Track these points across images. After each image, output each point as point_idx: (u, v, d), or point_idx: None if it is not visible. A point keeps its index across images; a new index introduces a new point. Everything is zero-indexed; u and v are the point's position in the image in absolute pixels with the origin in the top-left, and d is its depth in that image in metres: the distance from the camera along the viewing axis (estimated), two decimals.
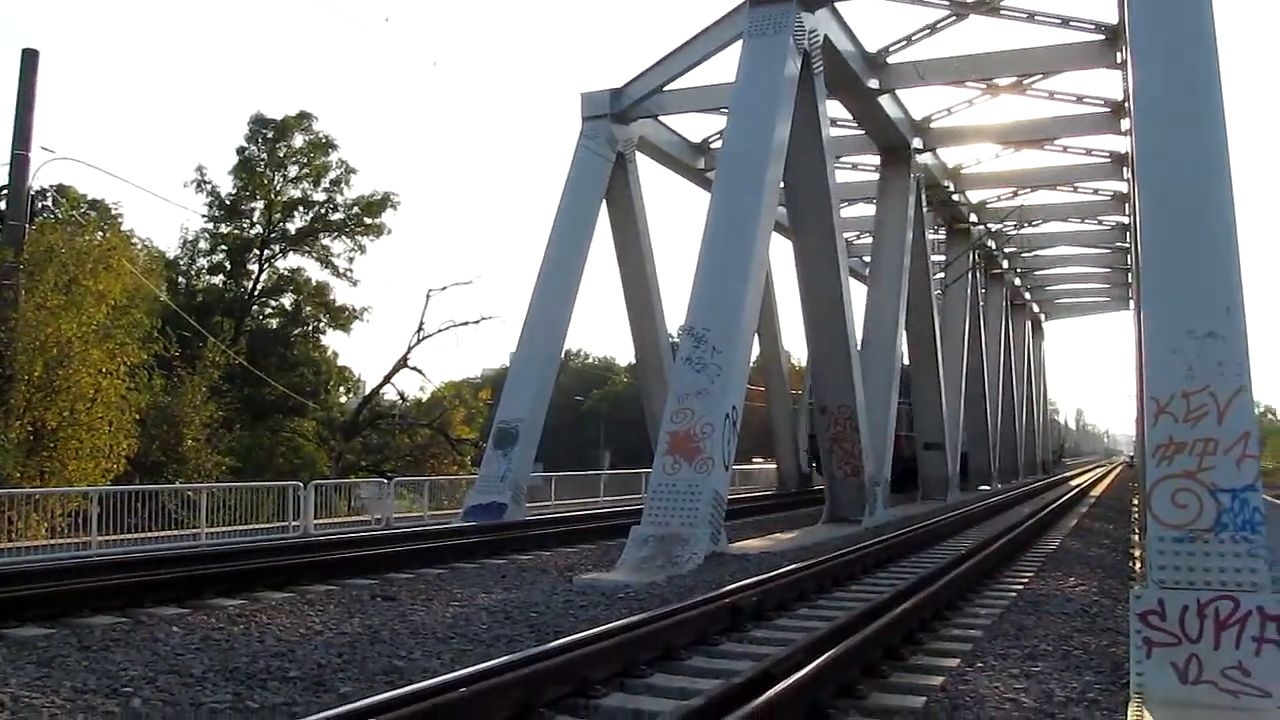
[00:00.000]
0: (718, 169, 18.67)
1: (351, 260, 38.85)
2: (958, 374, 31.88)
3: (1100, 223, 33.81)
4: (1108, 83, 36.46)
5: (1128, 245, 32.92)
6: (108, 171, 59.70)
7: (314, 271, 39.49)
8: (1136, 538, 16.63)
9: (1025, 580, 11.63)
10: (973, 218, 33.39)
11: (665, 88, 22.48)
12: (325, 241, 38.68)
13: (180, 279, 36.86)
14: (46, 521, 17.58)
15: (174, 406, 27.61)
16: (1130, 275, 33.58)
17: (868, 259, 27.62)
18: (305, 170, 38.05)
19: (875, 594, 9.95)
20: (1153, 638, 6.25)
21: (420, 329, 35.85)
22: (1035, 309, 54.49)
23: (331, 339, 42.22)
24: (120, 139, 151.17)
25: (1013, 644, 7.89)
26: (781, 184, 18.21)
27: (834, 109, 21.70)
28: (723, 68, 21.32)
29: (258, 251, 38.03)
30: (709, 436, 14.37)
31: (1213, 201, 8.04)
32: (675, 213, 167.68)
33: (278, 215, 37.88)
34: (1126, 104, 17.68)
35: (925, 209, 27.13)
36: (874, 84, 21.89)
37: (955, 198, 31.17)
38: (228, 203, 37.61)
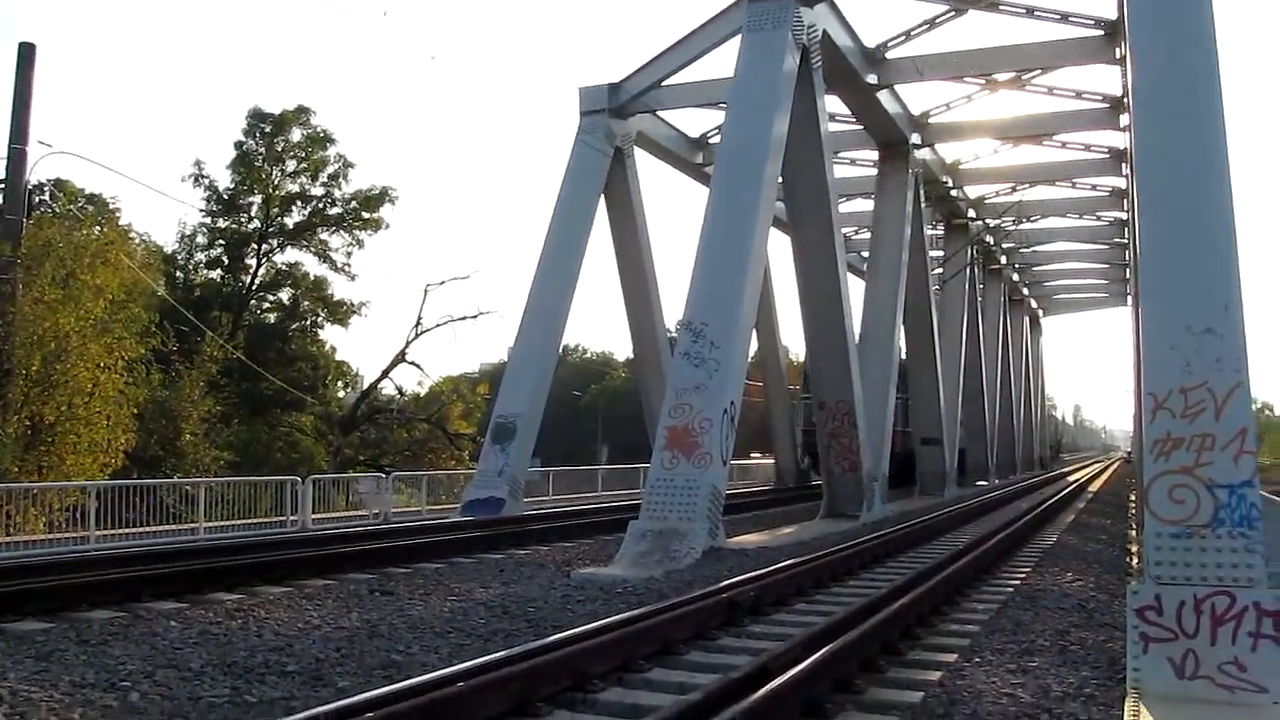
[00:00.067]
0: (716, 164, 18.67)
1: (349, 255, 38.97)
2: (955, 369, 31.81)
3: (1098, 218, 33.74)
4: (1106, 78, 36.72)
5: (1126, 241, 32.91)
6: (105, 166, 60.26)
7: (312, 266, 39.63)
8: (1134, 533, 16.69)
9: (1023, 575, 11.64)
10: (971, 213, 33.36)
11: (664, 83, 22.47)
12: (323, 236, 38.76)
13: (178, 273, 36.86)
14: (45, 516, 17.61)
15: (172, 401, 27.64)
16: (1128, 271, 33.56)
17: (866, 254, 27.62)
18: (303, 165, 38.05)
19: (873, 589, 9.98)
20: (1150, 633, 6.26)
21: (418, 324, 36.01)
22: (1033, 304, 54.49)
23: (329, 334, 42.26)
24: (118, 133, 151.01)
25: (1010, 639, 7.91)
26: (780, 179, 18.22)
27: (832, 104, 21.67)
28: (721, 63, 21.30)
29: (256, 246, 38.02)
30: (707, 431, 14.38)
31: (1212, 201, 8.04)
32: (673, 208, 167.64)
33: (276, 210, 37.85)
34: (1125, 99, 17.64)
35: (923, 204, 27.10)
36: (872, 79, 21.87)
37: (954, 193, 31.13)
38: (225, 197, 37.61)
